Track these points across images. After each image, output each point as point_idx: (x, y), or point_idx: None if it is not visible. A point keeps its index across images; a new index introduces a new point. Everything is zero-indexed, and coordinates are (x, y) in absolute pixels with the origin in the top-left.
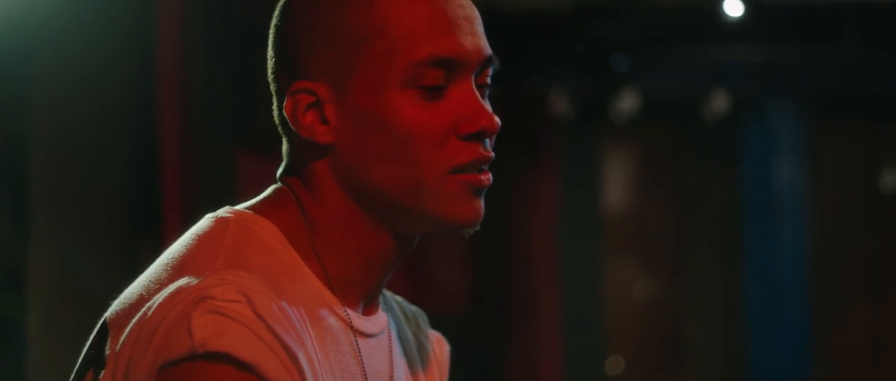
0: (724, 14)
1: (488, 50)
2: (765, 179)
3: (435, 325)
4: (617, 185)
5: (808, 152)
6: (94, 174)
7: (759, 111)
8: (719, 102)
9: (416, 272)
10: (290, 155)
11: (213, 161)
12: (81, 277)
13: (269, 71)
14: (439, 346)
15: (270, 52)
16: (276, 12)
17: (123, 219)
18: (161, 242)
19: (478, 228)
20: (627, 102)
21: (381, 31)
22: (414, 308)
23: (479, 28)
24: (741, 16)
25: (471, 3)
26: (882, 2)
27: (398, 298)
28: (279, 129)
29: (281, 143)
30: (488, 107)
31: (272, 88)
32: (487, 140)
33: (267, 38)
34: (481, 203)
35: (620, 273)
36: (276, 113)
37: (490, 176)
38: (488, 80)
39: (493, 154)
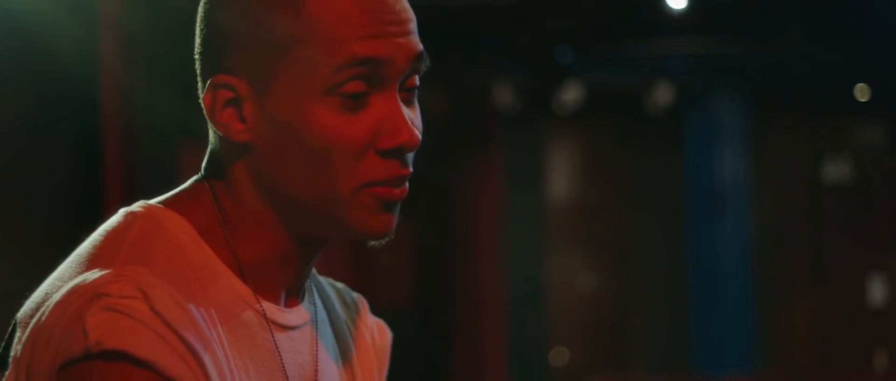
0: (668, 6)
1: (417, 47)
2: (708, 170)
3: (379, 316)
4: (561, 177)
5: (752, 144)
6: (35, 167)
7: (703, 103)
8: (663, 95)
9: (359, 264)
10: (212, 145)
11: (155, 155)
12: (19, 270)
13: (195, 49)
14: (380, 333)
15: (197, 29)
16: None
17: (64, 213)
18: None
19: (390, 238)
20: (571, 95)
21: (304, 37)
22: (355, 295)
23: (410, 26)
24: (684, 8)
25: (405, 5)
26: None
27: (339, 285)
28: (204, 113)
29: None
30: (416, 112)
31: (197, 66)
32: (408, 155)
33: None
34: (393, 216)
35: (565, 265)
36: (199, 95)
37: (405, 189)
38: (418, 80)
39: (410, 171)
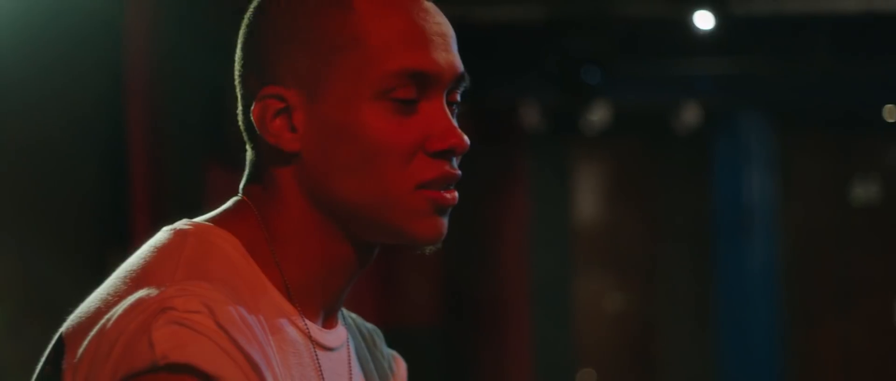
0: (695, 26)
1: (461, 67)
2: (735, 191)
3: (406, 337)
4: (588, 197)
5: (779, 165)
6: (63, 186)
7: (730, 124)
8: (690, 115)
9: (387, 285)
10: (253, 162)
11: (181, 174)
12: (48, 286)
13: (236, 72)
14: (397, 365)
15: (239, 54)
16: (249, 12)
17: (92, 231)
18: (130, 253)
19: (439, 245)
20: (598, 115)
21: (356, 41)
22: (370, 326)
23: (453, 45)
24: (712, 28)
25: (446, 21)
26: (853, 14)
27: (353, 315)
28: (244, 134)
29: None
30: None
31: (238, 91)
32: (455, 159)
33: (235, 52)
34: (444, 221)
35: (591, 286)
36: (241, 117)
37: (455, 195)
38: (459, 97)
39: (459, 173)
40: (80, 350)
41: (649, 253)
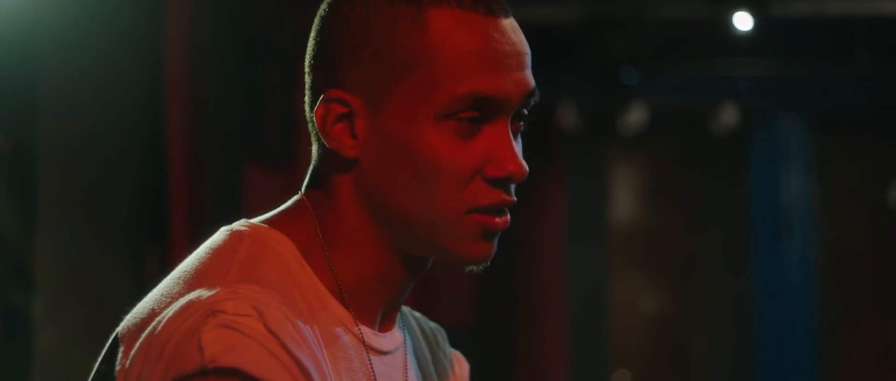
0: (734, 27)
1: (531, 84)
2: (773, 192)
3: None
4: (625, 198)
5: (817, 166)
6: (103, 183)
7: (768, 125)
8: (728, 116)
9: (423, 282)
10: (315, 161)
11: (220, 172)
12: (89, 283)
13: (308, 58)
14: (459, 365)
15: (311, 43)
16: (326, 5)
17: (131, 228)
18: (168, 251)
19: (487, 265)
20: (636, 116)
21: (426, 59)
22: (433, 325)
23: (527, 62)
24: (750, 29)
25: (521, 38)
26: (892, 15)
27: (417, 314)
28: (309, 126)
29: (288, 155)
30: (520, 145)
31: (307, 78)
32: (512, 186)
33: (275, 50)
34: (493, 245)
35: (628, 286)
36: (307, 110)
37: (507, 219)
38: (526, 112)
39: (515, 199)
40: (133, 352)
41: (686, 254)
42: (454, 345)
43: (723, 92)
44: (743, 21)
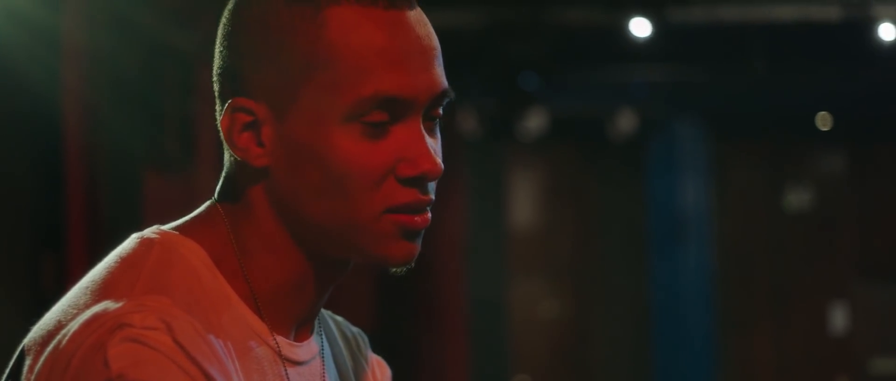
0: (631, 34)
1: (443, 84)
2: (670, 198)
3: None
4: (524, 203)
5: (713, 171)
6: None
7: (665, 131)
8: (625, 122)
9: None
10: (227, 168)
11: (119, 178)
12: None
13: (215, 68)
14: (380, 370)
15: (216, 50)
16: (227, 13)
17: (27, 236)
18: (66, 259)
19: (411, 266)
20: (535, 121)
21: (328, 61)
22: (355, 330)
23: (437, 60)
24: (648, 36)
25: (429, 32)
26: (788, 22)
27: (339, 318)
28: (220, 135)
29: (187, 162)
30: (437, 143)
31: (215, 86)
32: (429, 184)
33: (175, 55)
34: (415, 244)
35: (527, 291)
36: (217, 117)
37: (427, 217)
38: (440, 111)
39: (432, 198)
40: (39, 365)
41: (585, 259)
42: None
43: (621, 98)
44: (640, 27)
